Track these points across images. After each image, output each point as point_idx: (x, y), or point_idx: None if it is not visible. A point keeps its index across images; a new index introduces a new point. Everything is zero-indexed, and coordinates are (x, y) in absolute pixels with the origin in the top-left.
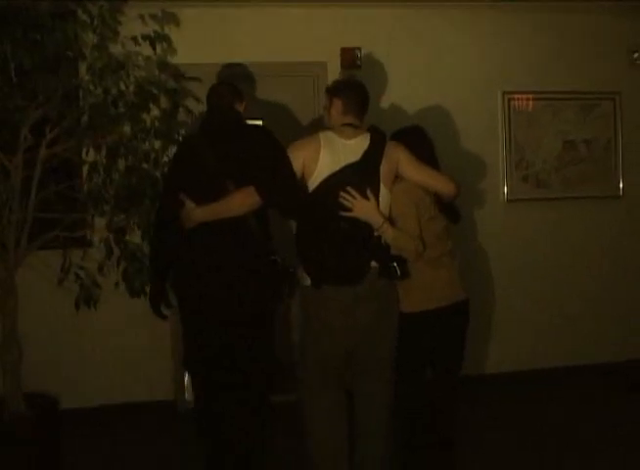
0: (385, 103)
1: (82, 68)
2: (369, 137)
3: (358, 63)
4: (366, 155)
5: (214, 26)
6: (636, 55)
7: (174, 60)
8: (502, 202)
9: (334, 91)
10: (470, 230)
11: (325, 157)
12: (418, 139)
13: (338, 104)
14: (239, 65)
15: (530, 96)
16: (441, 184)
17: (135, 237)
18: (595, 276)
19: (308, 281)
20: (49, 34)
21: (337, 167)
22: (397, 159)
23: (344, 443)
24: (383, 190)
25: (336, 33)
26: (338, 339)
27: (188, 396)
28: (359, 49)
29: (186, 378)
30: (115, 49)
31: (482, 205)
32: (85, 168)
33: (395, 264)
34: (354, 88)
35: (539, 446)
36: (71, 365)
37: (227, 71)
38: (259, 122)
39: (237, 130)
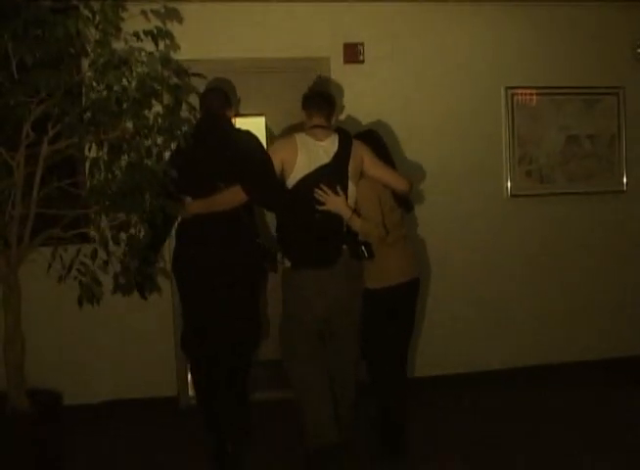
0: (387, 98)
1: (84, 64)
2: (337, 138)
3: (361, 58)
4: (336, 156)
5: (217, 22)
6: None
7: (177, 56)
8: (505, 197)
9: (302, 106)
10: (473, 226)
11: (302, 159)
12: (372, 142)
13: (304, 114)
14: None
15: (534, 91)
16: (397, 181)
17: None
18: (598, 271)
19: (289, 264)
20: (51, 30)
21: (312, 168)
22: (362, 157)
23: (328, 391)
24: (350, 186)
25: (339, 29)
26: (315, 311)
27: (191, 392)
28: (362, 44)
29: (189, 375)
30: (118, 45)
31: (486, 200)
32: (87, 165)
33: (363, 247)
34: (312, 98)
35: (537, 442)
36: (74, 361)
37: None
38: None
39: (227, 134)
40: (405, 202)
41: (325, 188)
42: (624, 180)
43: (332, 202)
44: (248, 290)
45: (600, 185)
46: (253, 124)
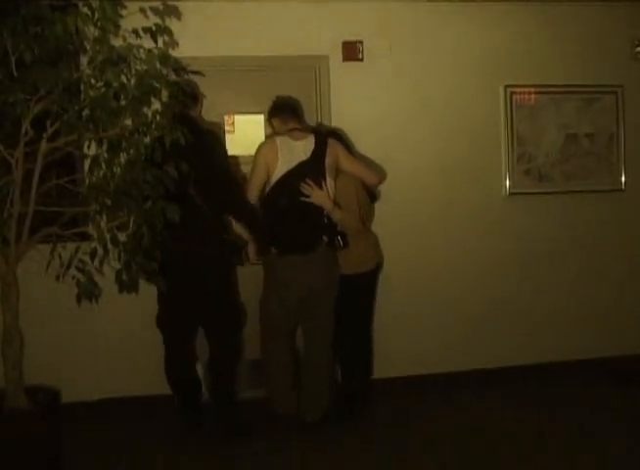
0: (386, 96)
1: (83, 61)
2: (313, 138)
3: (360, 56)
4: (314, 154)
5: (216, 19)
6: (639, 48)
7: (176, 53)
8: (504, 195)
9: (269, 116)
10: (472, 224)
11: (283, 156)
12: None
13: (277, 121)
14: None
15: (532, 90)
16: (369, 174)
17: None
18: (597, 270)
19: (274, 250)
20: (50, 27)
21: (292, 165)
22: (337, 154)
23: (291, 365)
24: (328, 180)
25: (338, 27)
26: (293, 292)
27: None
28: (361, 42)
29: None
30: (117, 42)
31: (484, 198)
32: (87, 162)
33: (339, 238)
34: (281, 105)
35: (537, 442)
36: (73, 359)
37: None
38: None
39: (198, 136)
40: (370, 194)
41: (310, 182)
42: (623, 179)
43: (316, 195)
44: (219, 282)
45: (598, 184)
46: (253, 122)
